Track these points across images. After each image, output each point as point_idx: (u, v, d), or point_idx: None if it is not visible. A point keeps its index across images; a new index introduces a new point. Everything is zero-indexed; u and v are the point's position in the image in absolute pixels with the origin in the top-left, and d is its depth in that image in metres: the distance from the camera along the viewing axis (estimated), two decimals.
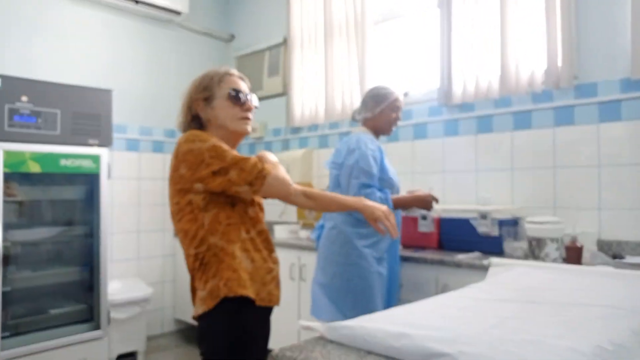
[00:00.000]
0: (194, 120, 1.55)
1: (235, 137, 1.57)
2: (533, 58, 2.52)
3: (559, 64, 2.42)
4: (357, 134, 2.25)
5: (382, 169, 2.19)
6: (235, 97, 1.53)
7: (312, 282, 2.29)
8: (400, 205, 2.27)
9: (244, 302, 1.41)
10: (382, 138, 2.38)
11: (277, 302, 1.53)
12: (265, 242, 1.54)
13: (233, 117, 1.53)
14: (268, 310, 1.55)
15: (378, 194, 2.11)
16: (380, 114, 2.28)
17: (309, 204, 1.60)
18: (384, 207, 1.56)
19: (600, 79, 2.37)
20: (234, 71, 1.60)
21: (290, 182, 1.49)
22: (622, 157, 2.30)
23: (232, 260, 1.42)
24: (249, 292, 1.41)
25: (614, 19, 2.33)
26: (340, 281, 2.14)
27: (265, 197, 1.56)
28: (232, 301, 1.39)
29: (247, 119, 1.56)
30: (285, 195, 1.49)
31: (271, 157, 1.60)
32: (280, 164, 1.59)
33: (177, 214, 1.45)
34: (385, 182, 2.19)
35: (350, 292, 2.10)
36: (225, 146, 1.43)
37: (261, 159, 1.55)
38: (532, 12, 2.52)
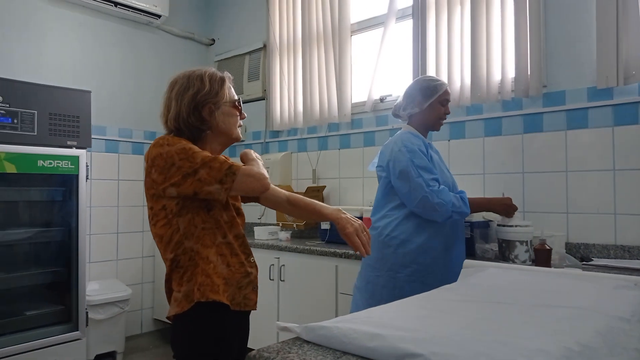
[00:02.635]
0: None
1: (230, 143, 1.59)
2: (503, 67, 2.60)
3: (528, 73, 2.51)
4: (397, 134, 2.12)
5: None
6: (239, 105, 1.56)
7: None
8: (477, 207, 2.10)
9: (218, 307, 1.40)
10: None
11: (253, 306, 1.51)
12: (242, 246, 1.52)
13: (235, 124, 1.55)
14: (244, 314, 1.54)
15: (451, 193, 1.97)
16: (429, 109, 2.09)
17: (291, 211, 1.64)
18: (358, 222, 1.52)
19: (568, 87, 2.47)
20: (229, 74, 1.58)
21: (266, 177, 1.45)
22: (588, 163, 2.40)
23: (206, 265, 1.41)
24: (222, 298, 1.40)
25: (580, 31, 2.43)
26: (374, 287, 2.02)
27: (241, 195, 1.52)
28: (206, 306, 1.39)
29: (240, 125, 1.59)
30: (260, 190, 1.45)
31: (253, 154, 1.59)
32: (260, 161, 1.57)
33: (152, 218, 1.44)
34: None
35: (383, 300, 1.91)
36: (195, 147, 1.40)
37: (245, 156, 1.56)
38: (502, 23, 2.61)
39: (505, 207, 2.13)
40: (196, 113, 1.46)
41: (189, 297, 1.39)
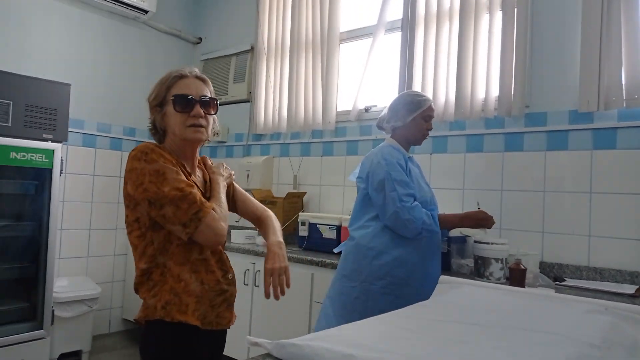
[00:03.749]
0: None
1: (189, 145, 1.46)
2: (487, 85, 2.63)
3: (512, 92, 2.55)
4: (379, 146, 2.13)
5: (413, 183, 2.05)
6: (179, 104, 1.39)
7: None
8: (448, 224, 2.10)
9: (186, 326, 1.36)
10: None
11: (227, 325, 1.47)
12: (219, 262, 1.47)
13: (181, 124, 1.40)
14: (218, 332, 1.48)
15: (424, 210, 1.96)
16: (412, 123, 2.10)
17: (257, 226, 1.68)
18: (283, 264, 1.44)
19: (550, 109, 2.51)
20: (190, 72, 1.45)
21: (224, 234, 1.38)
22: (565, 184, 2.43)
23: (176, 283, 1.36)
24: (190, 318, 1.35)
25: (565, 55, 2.47)
26: (347, 298, 2.00)
27: (197, 241, 1.39)
28: (173, 324, 1.34)
29: (198, 125, 1.41)
30: (210, 246, 1.41)
31: (220, 188, 1.51)
32: (223, 200, 1.48)
33: (128, 226, 1.40)
34: None
35: (356, 311, 1.93)
36: (169, 173, 1.32)
37: (212, 183, 1.51)
38: (489, 42, 2.64)
39: (478, 222, 2.09)
40: (154, 114, 1.46)
41: (151, 312, 1.36)
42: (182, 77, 1.44)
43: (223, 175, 1.57)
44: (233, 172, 1.69)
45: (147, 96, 1.47)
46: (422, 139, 2.16)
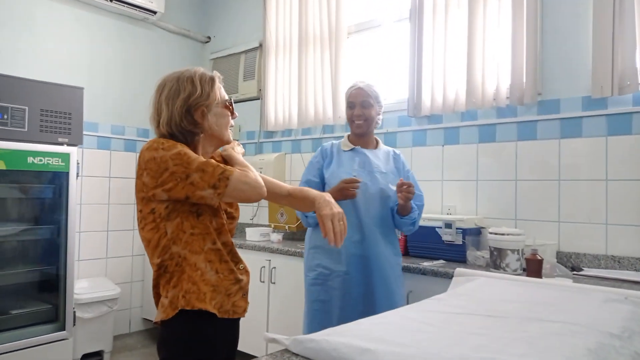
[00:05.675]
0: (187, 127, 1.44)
1: (221, 145, 1.54)
2: (499, 74, 2.60)
3: (524, 80, 2.51)
4: None
5: (328, 174, 2.11)
6: (231, 105, 1.52)
7: None
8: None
9: (205, 315, 1.38)
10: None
11: (242, 314, 1.49)
12: (230, 254, 1.49)
13: (227, 125, 1.51)
14: (233, 321, 1.50)
15: None
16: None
17: (290, 202, 1.62)
18: (339, 209, 1.45)
19: (563, 96, 2.47)
20: (218, 74, 1.53)
21: (262, 184, 1.41)
22: (581, 172, 2.40)
23: (193, 272, 1.38)
24: (208, 306, 1.37)
25: (577, 41, 2.43)
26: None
27: (236, 201, 1.49)
28: (192, 313, 1.36)
29: (232, 126, 1.55)
30: (255, 199, 1.43)
31: (239, 156, 1.57)
32: (247, 164, 1.53)
33: (141, 221, 1.41)
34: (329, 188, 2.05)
35: (303, 302, 2.16)
36: (190, 153, 1.36)
37: (231, 160, 1.54)
38: (499, 30, 2.61)
39: (341, 193, 1.97)
40: (189, 117, 1.42)
41: (173, 304, 1.37)
42: (218, 77, 1.52)
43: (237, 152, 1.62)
44: (244, 151, 1.70)
45: (181, 94, 1.42)
46: (353, 126, 2.17)
